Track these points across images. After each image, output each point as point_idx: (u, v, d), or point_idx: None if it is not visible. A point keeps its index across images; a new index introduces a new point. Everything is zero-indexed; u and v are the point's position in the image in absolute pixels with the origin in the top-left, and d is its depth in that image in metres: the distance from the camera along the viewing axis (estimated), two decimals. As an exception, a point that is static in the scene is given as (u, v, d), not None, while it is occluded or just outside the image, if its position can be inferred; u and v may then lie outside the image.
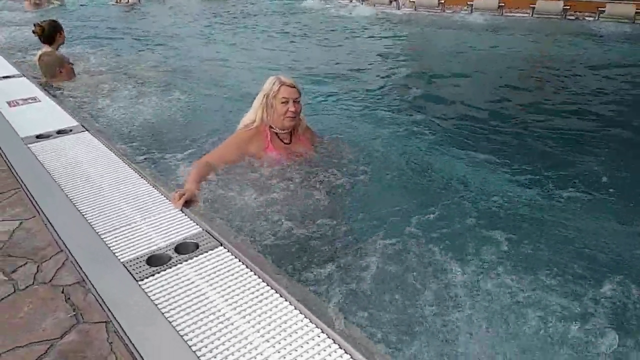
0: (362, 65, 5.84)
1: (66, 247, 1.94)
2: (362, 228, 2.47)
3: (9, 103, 3.48)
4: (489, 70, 5.80)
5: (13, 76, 4.17)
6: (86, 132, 3.03)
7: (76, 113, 3.37)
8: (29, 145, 2.79)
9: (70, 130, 3.02)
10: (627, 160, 3.40)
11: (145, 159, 2.87)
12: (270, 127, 2.72)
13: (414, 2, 8.90)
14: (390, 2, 8.96)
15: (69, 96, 3.96)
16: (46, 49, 4.25)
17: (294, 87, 2.66)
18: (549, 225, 2.56)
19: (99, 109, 3.75)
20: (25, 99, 3.56)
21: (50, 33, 4.24)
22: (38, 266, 1.86)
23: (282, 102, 2.63)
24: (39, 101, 3.54)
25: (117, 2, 10.75)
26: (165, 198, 2.31)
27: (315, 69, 5.67)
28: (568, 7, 7.91)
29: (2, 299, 1.70)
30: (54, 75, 4.23)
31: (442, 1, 8.59)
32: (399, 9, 8.91)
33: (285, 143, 2.77)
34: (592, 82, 5.26)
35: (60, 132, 2.99)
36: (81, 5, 10.27)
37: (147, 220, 2.13)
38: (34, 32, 4.29)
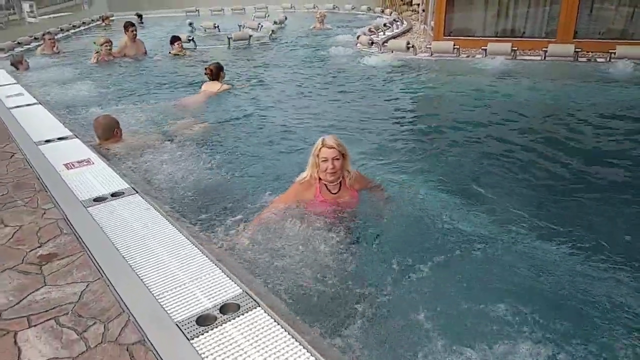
0: (384, 115, 6.18)
1: (127, 308, 2.27)
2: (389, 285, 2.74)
3: (66, 166, 3.90)
4: (504, 114, 6.06)
5: (67, 137, 4.61)
6: (137, 194, 3.41)
7: (127, 175, 3.77)
8: (89, 209, 3.17)
9: (123, 193, 3.40)
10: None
11: (190, 220, 3.23)
12: (320, 179, 3.34)
13: (429, 47, 9.29)
14: (408, 48, 9.35)
15: (118, 158, 4.38)
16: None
17: (333, 147, 3.21)
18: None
19: (145, 171, 4.14)
20: (80, 162, 3.98)
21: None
22: (105, 326, 2.19)
23: (323, 161, 3.22)
24: (93, 163, 3.95)
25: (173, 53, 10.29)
26: (209, 260, 2.64)
27: (340, 120, 5.98)
28: (580, 50, 8.18)
29: (78, 355, 2.03)
30: (108, 137, 4.65)
31: (457, 47, 8.92)
32: (415, 55, 9.29)
33: (332, 193, 3.37)
34: (601, 125, 5.49)
35: (114, 195, 3.37)
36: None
37: (194, 281, 2.45)
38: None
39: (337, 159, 3.22)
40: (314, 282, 2.72)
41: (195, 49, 11.09)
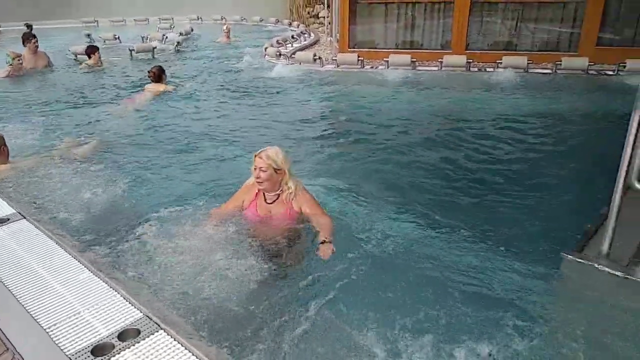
0: (292, 125, 6.27)
1: (12, 345, 2.09)
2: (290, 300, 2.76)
3: (-61, 193, 3.51)
4: (403, 120, 6.42)
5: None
6: (24, 219, 3.15)
7: (12, 200, 3.47)
8: (-34, 239, 2.88)
9: (8, 219, 3.13)
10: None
11: (85, 244, 3.03)
12: None
13: (335, 59, 9.57)
14: (315, 60, 9.56)
15: (3, 181, 4.01)
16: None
17: (262, 158, 3.29)
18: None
19: (34, 194, 3.83)
20: (-44, 188, 3.61)
21: None
22: (-15, 367, 2.00)
23: (254, 169, 3.31)
24: (-29, 189, 3.60)
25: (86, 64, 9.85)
26: (106, 284, 2.50)
27: (249, 131, 5.98)
28: (471, 61, 8.88)
29: (-48, 404, 1.83)
30: None
31: (361, 58, 9.29)
32: (322, 66, 9.52)
33: (267, 202, 3.41)
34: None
35: (-3, 222, 3.09)
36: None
37: (89, 309, 2.31)
38: None
39: (264, 170, 3.27)
40: (222, 301, 2.68)
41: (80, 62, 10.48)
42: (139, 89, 8.00)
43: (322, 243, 3.14)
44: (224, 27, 13.72)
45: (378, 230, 3.49)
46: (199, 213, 3.53)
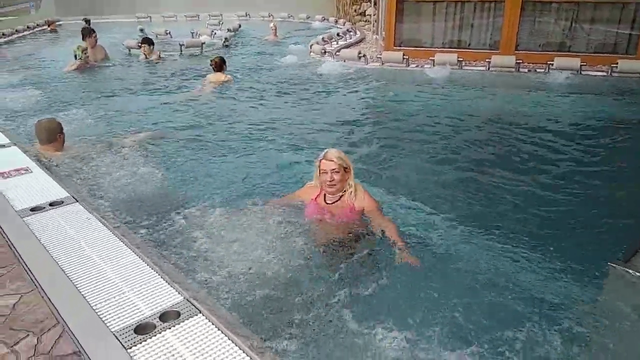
0: (337, 122, 6.29)
1: (62, 319, 2.22)
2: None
3: (1, 174, 3.75)
4: (448, 121, 6.31)
5: (5, 146, 4.42)
6: (77, 203, 3.32)
7: (67, 184, 3.66)
8: (25, 219, 3.06)
9: (62, 202, 3.30)
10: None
11: (133, 229, 3.17)
12: (322, 188, 3.45)
13: (380, 57, 9.52)
14: (359, 58, 9.55)
15: (59, 166, 4.25)
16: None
17: (332, 160, 3.29)
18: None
19: (88, 179, 4.04)
20: (18, 170, 3.83)
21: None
22: (38, 338, 2.12)
23: (323, 172, 3.32)
24: (31, 172, 3.81)
25: (144, 58, 10.35)
26: (150, 268, 2.61)
27: (296, 128, 6.05)
28: (521, 61, 8.62)
29: (8, 369, 1.97)
30: (51, 141, 4.49)
31: (407, 57, 9.19)
32: (367, 64, 9.49)
33: (327, 203, 3.42)
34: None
35: (52, 204, 3.26)
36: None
37: (134, 290, 2.42)
38: None
39: (337, 172, 3.28)
40: (264, 291, 2.73)
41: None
42: (201, 78, 8.48)
43: (401, 250, 3.10)
44: (271, 25, 13.90)
45: (422, 232, 3.46)
46: (247, 204, 3.61)
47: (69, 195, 3.41)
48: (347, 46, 11.90)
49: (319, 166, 3.34)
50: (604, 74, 8.27)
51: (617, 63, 8.16)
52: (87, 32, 9.88)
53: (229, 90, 7.86)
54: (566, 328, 2.51)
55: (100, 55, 10.00)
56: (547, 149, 5.26)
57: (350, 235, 3.28)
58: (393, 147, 5.41)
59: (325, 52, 10.52)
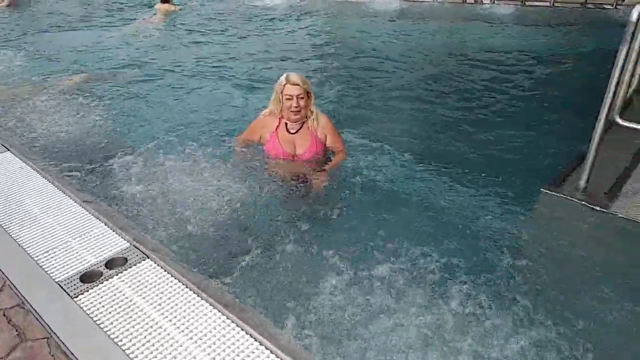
0: (286, 56, 6.13)
1: (2, 272, 2.15)
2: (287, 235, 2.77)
3: None
4: (392, 53, 6.27)
5: None
6: (7, 152, 3.13)
7: (-5, 132, 3.43)
8: (-51, 172, 2.88)
9: (-8, 152, 3.11)
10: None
11: (73, 177, 3.04)
12: (283, 117, 3.21)
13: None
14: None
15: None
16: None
17: (298, 84, 3.07)
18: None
19: (19, 126, 3.78)
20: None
21: None
22: (-22, 293, 2.06)
23: (287, 98, 3.09)
24: (-48, 120, 3.54)
25: None
26: (93, 216, 2.54)
27: (245, 64, 5.82)
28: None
29: (-52, 325, 1.91)
30: None
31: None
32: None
33: (290, 133, 3.20)
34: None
35: (-20, 154, 3.07)
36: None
37: (77, 238, 2.36)
38: None
39: (302, 98, 3.09)
40: (212, 232, 2.72)
41: None
42: (144, 8, 8.23)
43: (319, 171, 3.10)
44: None
45: (370, 165, 3.51)
46: (197, 145, 3.44)
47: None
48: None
49: (282, 91, 3.10)
50: (547, 4, 8.37)
51: (559, -8, 8.25)
52: None
53: (178, 19, 7.63)
54: (499, 255, 2.64)
55: None
56: (487, 80, 5.38)
57: (314, 168, 3.21)
58: (343, 82, 5.34)
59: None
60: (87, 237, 2.37)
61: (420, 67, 5.81)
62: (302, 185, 3.15)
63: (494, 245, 2.71)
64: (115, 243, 2.33)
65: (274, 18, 7.89)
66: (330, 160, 3.34)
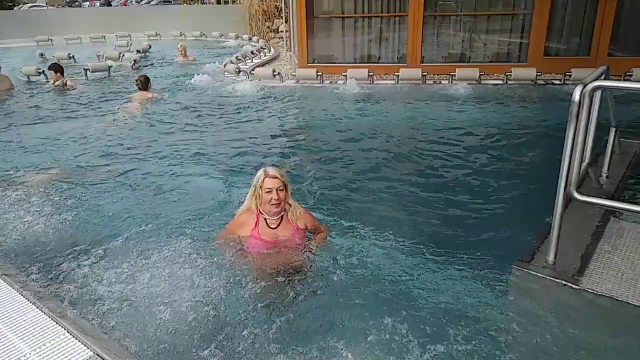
0: (255, 142, 6.25)
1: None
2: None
3: None
4: (360, 135, 6.51)
5: None
6: (-35, 256, 3.01)
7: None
8: None
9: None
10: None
11: (32, 279, 2.91)
12: (261, 212, 3.22)
13: (295, 75, 9.65)
14: (274, 76, 9.60)
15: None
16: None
17: (277, 177, 3.14)
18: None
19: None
20: None
21: None
22: None
23: (267, 192, 3.12)
24: None
25: (53, 84, 9.68)
26: (54, 322, 2.40)
27: (216, 151, 5.89)
28: (426, 73, 9.13)
29: None
30: None
31: (320, 73, 9.39)
32: (282, 82, 9.57)
33: (271, 228, 3.22)
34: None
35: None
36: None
37: (37, 350, 2.22)
38: None
39: (281, 190, 3.13)
40: (187, 334, 2.61)
41: (47, 81, 10.23)
42: (116, 100, 8.42)
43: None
44: (179, 46, 13.41)
45: (341, 243, 3.53)
46: (171, 242, 3.40)
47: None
48: (262, 64, 11.93)
49: (261, 186, 3.13)
50: (501, 82, 8.96)
51: (511, 71, 8.88)
52: None
53: (154, 107, 7.98)
54: (474, 331, 2.63)
55: (4, 85, 9.17)
56: (450, 156, 5.59)
57: (295, 260, 3.18)
58: (316, 164, 5.45)
59: (239, 71, 10.47)
60: (46, 346, 2.23)
61: (386, 147, 6.01)
62: (283, 271, 3.10)
63: (469, 323, 2.69)
64: (77, 352, 2.20)
65: (245, 106, 8.14)
66: (310, 240, 3.38)
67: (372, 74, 9.25)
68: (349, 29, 10.67)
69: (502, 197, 4.49)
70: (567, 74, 8.70)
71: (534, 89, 8.71)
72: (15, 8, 42.09)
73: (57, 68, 9.80)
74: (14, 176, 4.84)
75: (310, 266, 3.20)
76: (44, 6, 54.41)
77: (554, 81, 8.95)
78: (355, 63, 10.46)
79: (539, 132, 6.54)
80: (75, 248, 3.42)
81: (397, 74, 9.13)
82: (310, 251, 3.26)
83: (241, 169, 5.27)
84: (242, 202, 3.42)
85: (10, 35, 18.90)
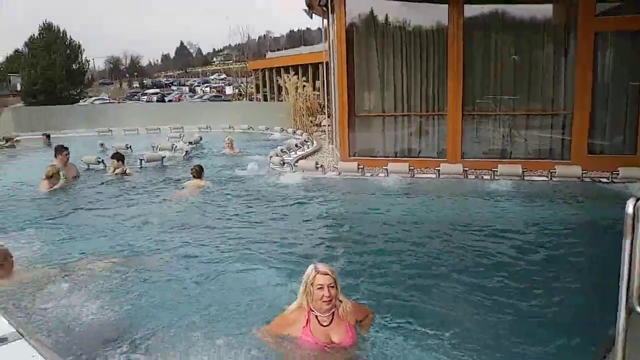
0: (300, 235, 6.32)
1: None
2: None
3: (-59, 310, 3.50)
4: (403, 228, 6.49)
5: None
6: (22, 339, 3.10)
7: (12, 317, 3.44)
8: (-38, 362, 2.83)
9: (6, 339, 3.09)
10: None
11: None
12: (312, 310, 3.19)
13: (337, 167, 9.96)
14: (317, 168, 9.94)
15: (6, 296, 4.02)
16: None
17: (327, 274, 3.14)
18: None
19: (37, 311, 3.81)
20: (-42, 304, 3.60)
21: None
22: None
23: (318, 288, 3.11)
24: (-27, 305, 3.59)
25: (113, 172, 10.34)
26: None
27: (261, 243, 5.96)
28: (467, 169, 9.22)
29: None
30: None
31: (361, 166, 9.65)
32: (324, 174, 9.87)
33: (323, 325, 3.18)
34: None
35: (-4, 342, 3.04)
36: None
37: None
38: None
39: (332, 287, 3.12)
40: None
41: (105, 169, 10.96)
42: (170, 188, 9.05)
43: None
44: (226, 139, 14.21)
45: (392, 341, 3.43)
46: (217, 339, 3.35)
47: (14, 330, 3.20)
48: (305, 156, 12.41)
49: (312, 283, 3.13)
50: (545, 178, 8.90)
51: (555, 169, 8.84)
52: (59, 150, 9.63)
53: (206, 194, 8.46)
54: None
55: (72, 173, 9.76)
56: (499, 254, 5.44)
57: (350, 356, 3.14)
58: (362, 259, 5.40)
59: (284, 162, 10.91)
60: None
61: (431, 242, 5.96)
62: None
63: None
64: None
65: (289, 197, 8.36)
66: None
67: (412, 168, 9.44)
68: (389, 124, 11.08)
69: (556, 300, 4.29)
70: (614, 172, 8.57)
71: (581, 186, 8.58)
72: (80, 101, 46.46)
73: (119, 157, 10.56)
74: (67, 265, 5.02)
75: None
76: (107, 99, 59.75)
77: (601, 179, 8.81)
78: (396, 157, 10.72)
79: (592, 231, 6.36)
80: (124, 341, 3.46)
81: (438, 168, 9.28)
82: (364, 350, 3.18)
83: (286, 260, 5.31)
84: (283, 294, 3.42)
85: (74, 126, 20.67)
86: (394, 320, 3.80)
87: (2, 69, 66.47)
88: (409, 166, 9.41)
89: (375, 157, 10.87)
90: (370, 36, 10.89)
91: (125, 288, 4.42)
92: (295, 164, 10.65)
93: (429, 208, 7.62)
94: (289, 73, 24.16)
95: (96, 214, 7.46)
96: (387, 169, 9.49)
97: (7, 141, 17.45)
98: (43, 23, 45.34)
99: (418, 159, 10.52)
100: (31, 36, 45.41)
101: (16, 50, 59.68)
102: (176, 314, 3.90)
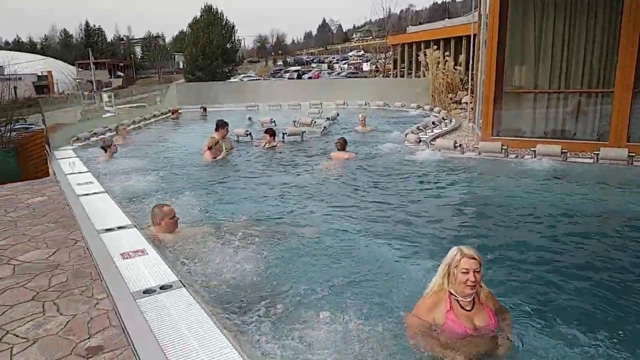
0: (433, 216, 6.18)
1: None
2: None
3: (122, 255, 4.14)
4: (549, 217, 5.92)
5: (126, 227, 4.93)
6: (183, 288, 3.55)
7: (176, 268, 3.95)
8: (138, 301, 3.32)
9: (171, 286, 3.55)
10: None
11: (232, 319, 3.30)
12: (452, 293, 3.11)
13: (477, 147, 9.43)
14: (455, 147, 9.53)
15: (170, 249, 4.62)
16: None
17: (474, 258, 3.04)
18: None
19: (197, 264, 4.33)
20: (136, 251, 4.21)
21: None
22: None
23: (463, 272, 3.01)
24: (147, 254, 4.17)
25: (263, 146, 11.24)
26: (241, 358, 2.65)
27: (393, 220, 5.99)
28: (633, 154, 8.03)
29: None
30: (164, 224, 4.92)
31: (505, 147, 9.00)
32: (463, 154, 9.43)
33: (466, 310, 3.09)
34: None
35: (163, 288, 3.51)
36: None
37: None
38: None
39: (477, 272, 3.01)
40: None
41: (253, 141, 11.88)
42: (311, 163, 9.49)
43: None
44: (360, 116, 14.32)
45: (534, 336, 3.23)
46: (357, 312, 3.47)
47: (177, 279, 3.67)
48: (442, 135, 11.98)
49: (457, 265, 3.04)
50: None
51: None
52: (222, 124, 10.46)
53: (350, 166, 8.90)
54: None
55: (229, 145, 10.71)
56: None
57: (494, 343, 3.01)
58: (497, 244, 5.10)
59: (420, 140, 10.67)
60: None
61: (582, 235, 5.35)
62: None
63: None
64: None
65: (425, 175, 8.20)
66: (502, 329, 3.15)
67: (565, 150, 8.52)
68: (540, 102, 10.10)
69: None
70: None
71: None
72: (231, 78, 50.63)
73: (272, 132, 11.37)
74: (219, 224, 5.59)
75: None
76: (254, 77, 64.16)
77: None
78: (546, 138, 9.78)
79: None
80: (266, 300, 3.77)
81: (597, 152, 8.25)
82: (508, 338, 3.04)
83: (419, 240, 5.25)
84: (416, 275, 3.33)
85: (226, 101, 22.59)
86: (531, 314, 3.54)
87: (168, 48, 75.04)
88: (562, 149, 8.53)
89: (522, 137, 10.04)
90: (528, 0, 9.90)
91: (280, 253, 4.74)
92: (432, 142, 10.35)
93: (585, 197, 6.80)
94: (430, 47, 23.26)
95: (258, 182, 8.16)
96: (534, 151, 8.73)
97: (172, 113, 19.84)
98: (204, 5, 50.07)
99: (572, 141, 9.47)
100: (194, 17, 50.52)
101: (180, 31, 66.87)
102: (326, 284, 4.08)
